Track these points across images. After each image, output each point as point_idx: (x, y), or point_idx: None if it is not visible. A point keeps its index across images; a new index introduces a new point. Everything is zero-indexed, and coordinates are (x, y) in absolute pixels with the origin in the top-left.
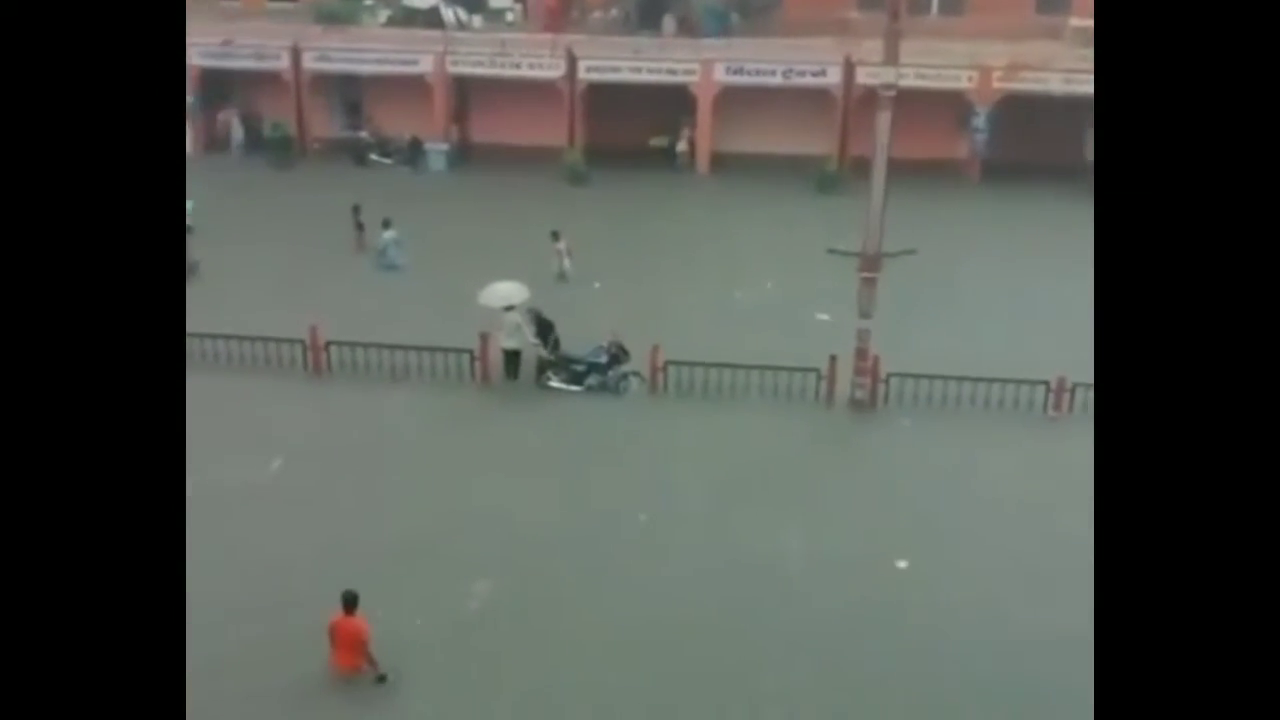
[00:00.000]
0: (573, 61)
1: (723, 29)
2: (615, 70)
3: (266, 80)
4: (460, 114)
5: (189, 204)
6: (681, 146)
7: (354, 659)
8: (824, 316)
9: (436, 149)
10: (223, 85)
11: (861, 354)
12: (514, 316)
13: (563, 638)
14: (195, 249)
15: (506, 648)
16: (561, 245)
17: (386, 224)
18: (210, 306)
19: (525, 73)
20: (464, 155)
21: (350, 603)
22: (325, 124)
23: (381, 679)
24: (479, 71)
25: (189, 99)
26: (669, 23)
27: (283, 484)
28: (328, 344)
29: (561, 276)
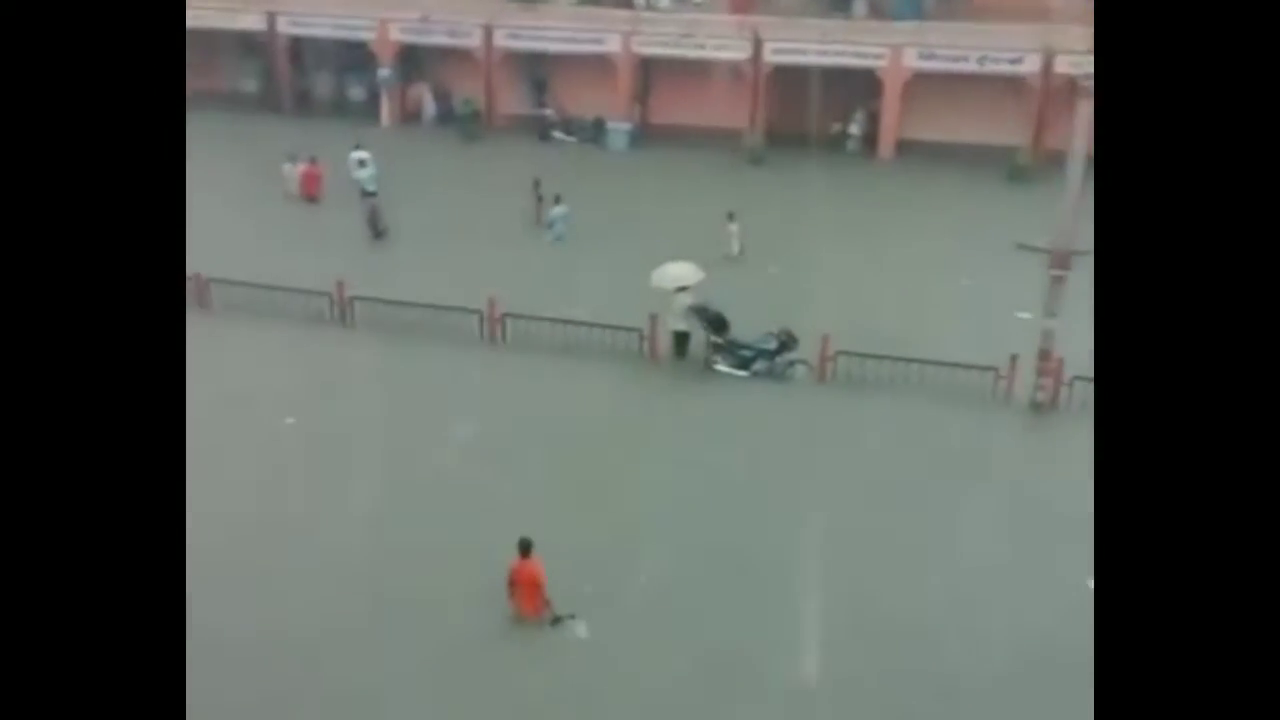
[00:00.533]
0: (759, 43)
1: (915, 12)
2: (802, 53)
3: (458, 56)
4: (642, 94)
5: (369, 171)
6: (854, 130)
7: (534, 601)
8: (1025, 315)
9: (619, 128)
10: (417, 60)
11: (1045, 355)
12: (685, 298)
13: (720, 623)
14: (386, 214)
15: (672, 621)
16: (734, 227)
17: (557, 199)
18: (395, 270)
19: (710, 54)
20: (645, 135)
21: (526, 548)
22: (512, 100)
23: (557, 621)
24: (665, 52)
25: (385, 72)
26: (860, 5)
27: (474, 451)
28: (504, 316)
29: (730, 257)
